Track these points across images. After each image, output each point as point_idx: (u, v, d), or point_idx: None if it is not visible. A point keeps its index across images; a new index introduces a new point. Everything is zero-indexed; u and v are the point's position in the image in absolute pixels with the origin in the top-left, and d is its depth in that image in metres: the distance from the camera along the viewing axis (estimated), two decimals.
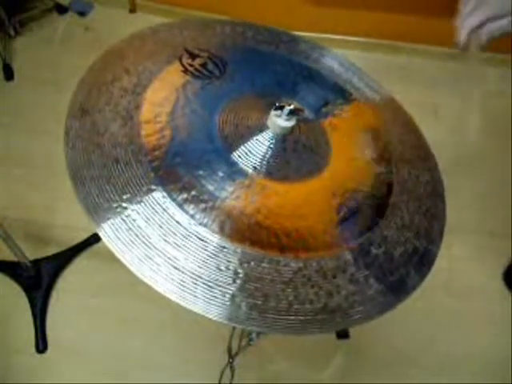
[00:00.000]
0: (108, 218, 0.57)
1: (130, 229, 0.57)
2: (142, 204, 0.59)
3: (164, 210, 0.59)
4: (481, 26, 0.62)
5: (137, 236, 0.57)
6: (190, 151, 0.65)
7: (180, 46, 0.78)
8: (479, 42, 0.64)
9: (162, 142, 0.65)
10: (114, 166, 0.61)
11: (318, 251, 0.61)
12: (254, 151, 0.66)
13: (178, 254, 0.56)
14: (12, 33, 1.92)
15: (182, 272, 0.55)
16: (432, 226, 0.71)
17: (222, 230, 0.59)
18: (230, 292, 0.55)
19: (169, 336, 1.33)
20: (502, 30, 0.62)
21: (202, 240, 0.58)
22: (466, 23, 0.63)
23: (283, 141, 0.68)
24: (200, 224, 0.59)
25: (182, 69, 0.75)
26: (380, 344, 1.38)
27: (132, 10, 2.13)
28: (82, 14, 2.10)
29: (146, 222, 0.58)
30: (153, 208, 0.59)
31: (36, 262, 1.34)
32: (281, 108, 0.65)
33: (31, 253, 1.33)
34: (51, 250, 1.41)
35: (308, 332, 0.56)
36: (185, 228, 0.58)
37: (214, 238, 0.58)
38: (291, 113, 0.65)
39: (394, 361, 1.36)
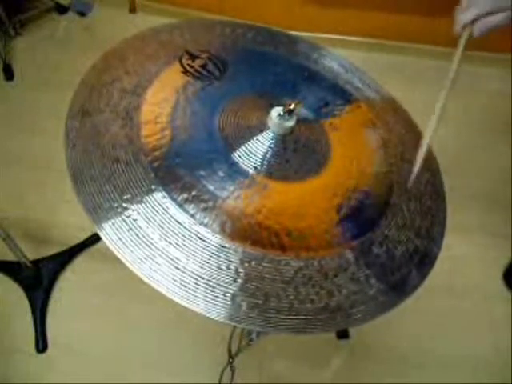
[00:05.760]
0: (108, 218, 0.57)
1: (131, 229, 0.57)
2: (143, 204, 0.59)
3: (164, 209, 0.59)
4: (473, 22, 0.65)
5: (137, 236, 0.57)
6: (191, 151, 0.65)
7: (180, 47, 0.78)
8: (471, 36, 0.67)
9: (162, 142, 0.65)
10: (115, 167, 0.61)
11: (318, 250, 0.61)
12: (254, 151, 0.67)
13: (178, 254, 0.56)
14: (12, 33, 1.92)
15: (183, 272, 0.55)
16: (433, 225, 0.71)
17: (222, 230, 0.59)
18: (231, 291, 0.55)
19: (169, 336, 1.33)
20: (494, 24, 0.65)
21: (203, 240, 0.58)
22: (460, 18, 0.67)
23: (283, 141, 0.68)
24: (200, 224, 0.59)
25: (182, 70, 0.75)
26: (380, 344, 1.38)
27: (132, 10, 2.13)
28: (82, 14, 2.10)
29: (146, 222, 0.58)
30: (153, 208, 0.59)
31: (36, 262, 1.34)
32: (281, 108, 0.66)
33: (31, 253, 1.33)
34: (51, 250, 1.41)
35: (309, 331, 0.56)
36: (185, 228, 0.58)
37: (215, 238, 0.58)
38: (291, 111, 0.65)
39: (394, 361, 1.36)
